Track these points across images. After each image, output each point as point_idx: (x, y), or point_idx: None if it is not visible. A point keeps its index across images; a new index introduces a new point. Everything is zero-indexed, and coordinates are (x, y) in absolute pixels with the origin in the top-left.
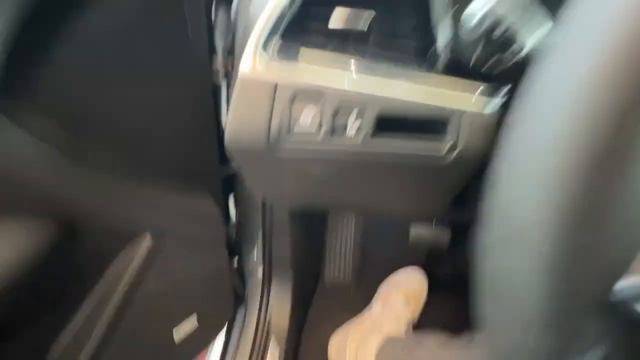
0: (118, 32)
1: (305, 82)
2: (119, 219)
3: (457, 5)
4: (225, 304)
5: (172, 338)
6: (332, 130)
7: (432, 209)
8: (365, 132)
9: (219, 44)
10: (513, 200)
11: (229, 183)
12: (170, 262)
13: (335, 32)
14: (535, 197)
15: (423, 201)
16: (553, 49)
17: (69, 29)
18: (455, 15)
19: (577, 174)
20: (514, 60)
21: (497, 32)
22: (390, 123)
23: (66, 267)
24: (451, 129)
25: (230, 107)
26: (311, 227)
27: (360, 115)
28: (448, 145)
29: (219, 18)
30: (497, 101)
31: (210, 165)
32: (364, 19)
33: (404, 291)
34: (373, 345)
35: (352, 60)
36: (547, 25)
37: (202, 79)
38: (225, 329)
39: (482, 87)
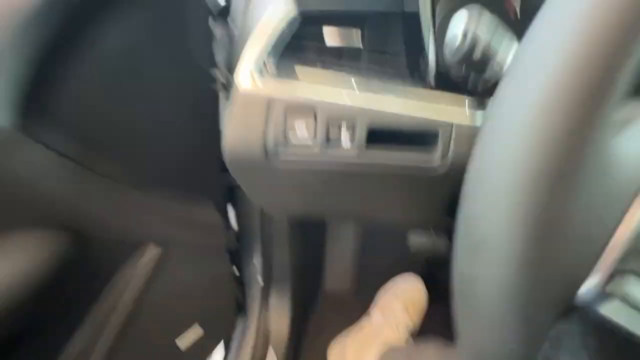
0: (126, 49)
1: (299, 97)
2: (126, 229)
3: (439, 28)
4: (227, 312)
5: (177, 347)
6: (327, 143)
7: (428, 218)
8: (360, 144)
9: (219, 56)
10: (478, 212)
11: (230, 192)
12: (173, 270)
13: (329, 50)
14: (496, 209)
15: (418, 210)
16: (512, 69)
17: (84, 46)
18: (438, 38)
19: (532, 190)
20: (496, 78)
21: (477, 53)
22: (384, 136)
23: (74, 276)
24: (442, 141)
25: (228, 121)
26: (310, 236)
27: (352, 127)
28: (440, 157)
29: (218, 32)
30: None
31: (212, 174)
32: (354, 37)
33: (403, 299)
34: (372, 353)
35: (346, 76)
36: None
37: (203, 91)
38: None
39: (470, 100)
